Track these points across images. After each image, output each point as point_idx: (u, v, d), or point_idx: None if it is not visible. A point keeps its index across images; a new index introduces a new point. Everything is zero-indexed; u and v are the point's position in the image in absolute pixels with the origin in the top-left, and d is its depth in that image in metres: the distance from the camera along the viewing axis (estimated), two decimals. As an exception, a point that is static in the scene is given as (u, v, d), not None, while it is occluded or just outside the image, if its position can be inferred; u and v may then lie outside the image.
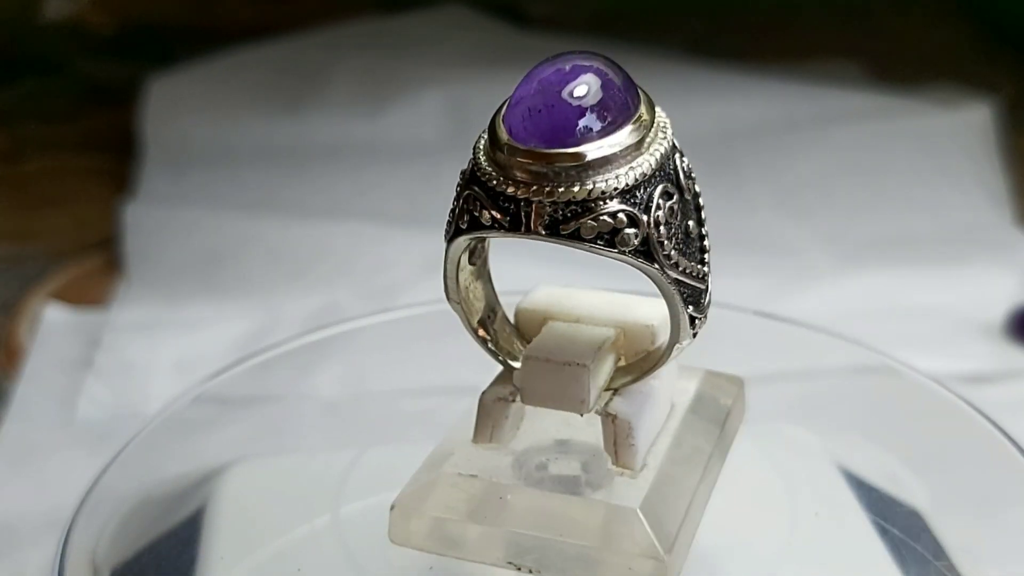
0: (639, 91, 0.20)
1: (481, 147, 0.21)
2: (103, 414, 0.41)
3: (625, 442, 0.23)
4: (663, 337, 0.23)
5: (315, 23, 0.68)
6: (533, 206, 0.20)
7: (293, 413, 0.33)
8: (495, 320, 0.23)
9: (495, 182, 0.20)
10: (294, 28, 0.67)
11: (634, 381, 0.23)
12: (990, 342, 0.44)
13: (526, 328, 0.24)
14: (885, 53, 0.67)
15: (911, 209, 0.53)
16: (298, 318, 0.45)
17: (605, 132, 0.20)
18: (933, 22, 0.72)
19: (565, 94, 0.20)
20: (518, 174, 0.20)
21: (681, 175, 0.20)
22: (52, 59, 0.69)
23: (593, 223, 0.20)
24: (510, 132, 0.20)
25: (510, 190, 0.20)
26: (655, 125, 0.20)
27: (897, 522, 0.26)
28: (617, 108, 0.20)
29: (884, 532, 0.26)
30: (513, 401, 0.23)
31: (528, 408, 0.23)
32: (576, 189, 0.19)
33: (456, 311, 0.22)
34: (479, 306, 0.23)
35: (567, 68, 0.20)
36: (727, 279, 0.41)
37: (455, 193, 0.21)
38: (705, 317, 0.22)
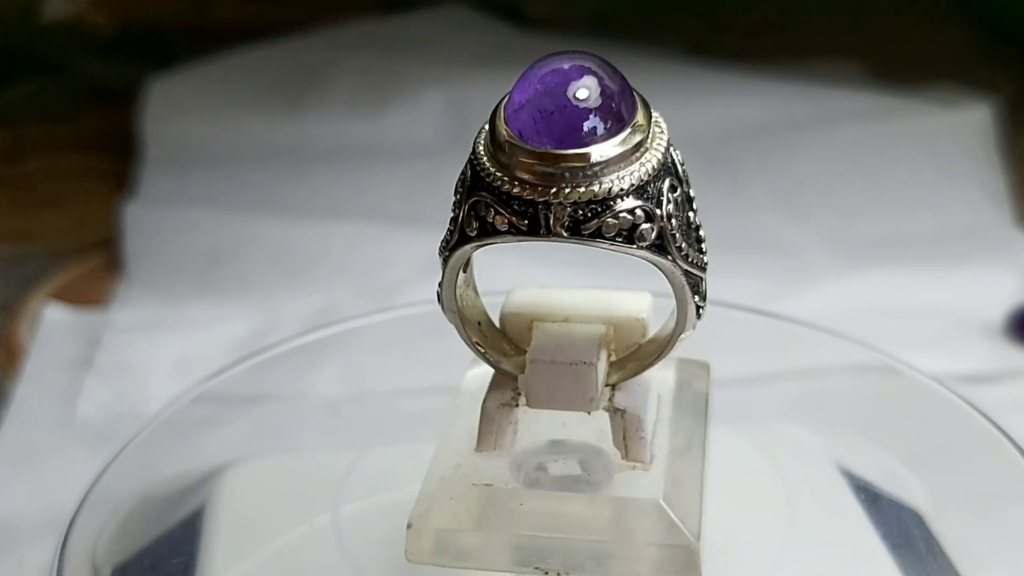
0: (633, 89, 0.21)
1: (482, 151, 0.20)
2: (103, 414, 0.41)
3: (635, 436, 0.23)
4: (653, 329, 0.23)
5: (315, 23, 0.68)
6: (552, 208, 0.20)
7: (293, 413, 0.33)
8: (484, 326, 0.23)
9: (508, 186, 0.20)
10: (294, 28, 0.67)
11: (635, 374, 0.23)
12: (990, 342, 0.44)
13: (513, 331, 0.23)
14: (885, 53, 0.67)
15: (911, 209, 0.53)
16: (298, 318, 0.45)
17: (611, 131, 0.20)
18: (933, 22, 0.72)
19: (571, 95, 0.20)
20: (530, 177, 0.20)
21: (679, 167, 0.21)
22: (52, 59, 0.69)
23: (613, 220, 0.20)
24: (520, 135, 0.20)
25: (527, 193, 0.20)
26: (651, 120, 0.21)
27: (897, 522, 0.26)
28: (619, 107, 0.20)
29: (884, 532, 0.26)
30: (517, 406, 0.23)
31: (519, 411, 0.23)
32: (596, 188, 0.20)
33: (452, 321, 0.22)
34: (472, 314, 0.23)
35: (566, 67, 0.20)
36: (727, 279, 0.41)
37: (455, 201, 0.21)
38: (706, 305, 0.22)
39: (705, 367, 0.26)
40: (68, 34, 0.71)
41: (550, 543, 0.22)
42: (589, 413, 0.23)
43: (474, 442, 0.23)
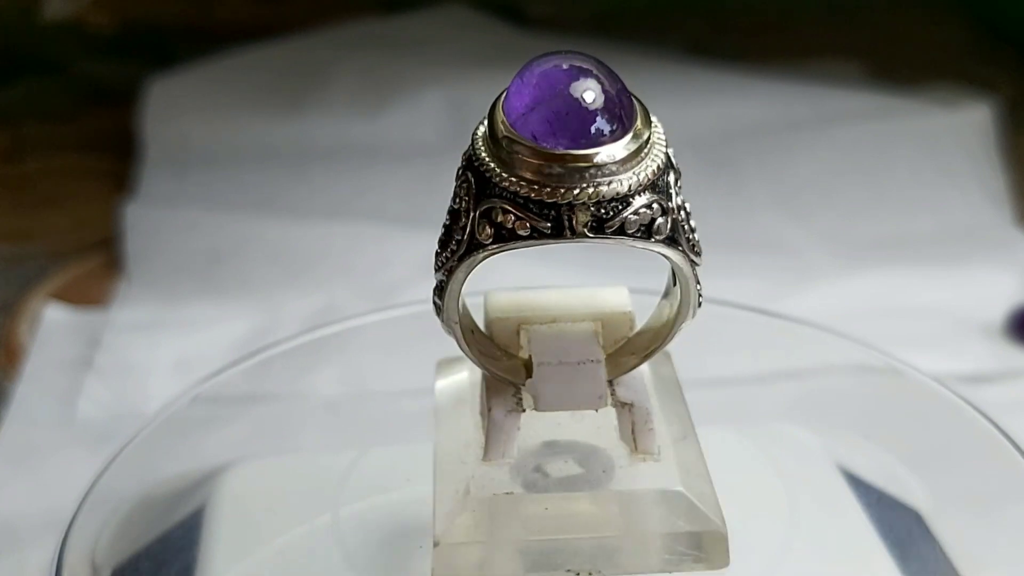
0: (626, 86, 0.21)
1: (485, 156, 0.20)
2: (103, 414, 0.41)
3: (644, 428, 0.23)
4: (640, 322, 0.23)
5: (315, 23, 0.68)
6: (575, 209, 0.20)
7: (293, 413, 0.33)
8: (475, 333, 0.23)
9: (528, 190, 0.20)
10: (294, 28, 0.67)
11: (632, 367, 0.23)
12: (990, 342, 0.44)
13: (501, 336, 0.23)
14: (885, 53, 0.67)
15: (911, 209, 0.53)
16: (298, 318, 0.45)
17: (617, 130, 0.20)
18: (933, 22, 0.72)
19: (579, 96, 0.20)
20: (549, 179, 0.20)
21: (673, 159, 0.21)
22: (52, 59, 0.69)
23: (634, 216, 0.20)
24: (534, 138, 0.20)
25: (549, 197, 0.20)
26: (648, 116, 0.21)
27: (897, 522, 0.26)
28: (621, 106, 0.20)
29: (884, 532, 0.26)
30: (524, 411, 0.23)
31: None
32: (617, 187, 0.20)
33: (453, 332, 0.22)
34: (465, 323, 0.23)
35: (564, 67, 0.20)
36: (727, 279, 0.41)
37: (458, 209, 0.21)
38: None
39: (667, 354, 0.26)
40: (68, 34, 0.71)
41: (580, 544, 0.22)
42: (596, 411, 0.23)
43: (474, 452, 0.23)
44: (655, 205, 0.20)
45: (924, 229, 0.52)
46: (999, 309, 0.46)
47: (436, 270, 0.22)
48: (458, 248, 0.21)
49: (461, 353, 0.23)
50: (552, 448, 0.24)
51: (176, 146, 0.58)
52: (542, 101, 0.20)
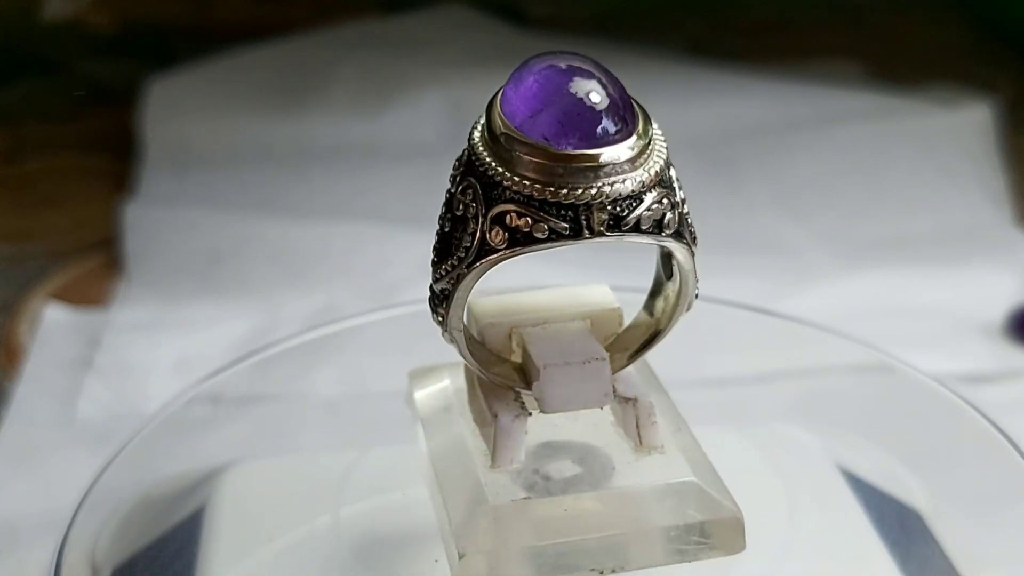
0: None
1: (490, 160, 0.20)
2: (103, 414, 0.41)
3: (648, 421, 0.23)
4: (629, 317, 0.24)
5: (315, 23, 0.68)
6: (593, 209, 0.20)
7: (293, 413, 0.33)
8: (470, 340, 0.23)
9: (544, 193, 0.20)
10: (294, 28, 0.67)
11: (628, 363, 0.23)
12: (990, 342, 0.44)
13: (494, 341, 0.23)
14: (885, 53, 0.67)
15: (911, 209, 0.53)
16: (298, 318, 0.45)
17: (621, 129, 0.20)
18: (933, 22, 0.72)
19: (584, 97, 0.20)
20: (564, 181, 0.20)
21: (667, 152, 0.21)
22: (52, 59, 0.69)
23: (648, 212, 0.20)
24: (545, 139, 0.20)
25: (567, 198, 0.20)
26: (644, 112, 0.21)
27: (897, 522, 0.26)
28: (623, 105, 0.20)
29: (884, 532, 0.26)
30: (530, 414, 0.23)
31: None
32: (631, 184, 0.20)
33: (456, 340, 0.22)
34: (467, 331, 0.23)
35: (563, 67, 0.20)
36: (727, 279, 0.41)
37: (464, 215, 0.20)
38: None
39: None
40: (68, 34, 0.71)
41: (602, 543, 0.22)
42: (601, 408, 0.23)
43: (478, 459, 0.23)
44: (664, 200, 0.20)
45: (924, 229, 0.52)
46: (999, 309, 0.46)
47: (437, 280, 0.21)
48: (466, 255, 0.21)
49: (430, 363, 0.24)
50: (550, 449, 0.24)
51: (176, 146, 0.58)
52: (549, 102, 0.20)
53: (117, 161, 0.59)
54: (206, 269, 0.49)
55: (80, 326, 0.46)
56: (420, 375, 0.26)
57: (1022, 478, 0.26)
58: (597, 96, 0.20)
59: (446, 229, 0.21)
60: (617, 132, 0.20)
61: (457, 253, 0.21)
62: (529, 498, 0.22)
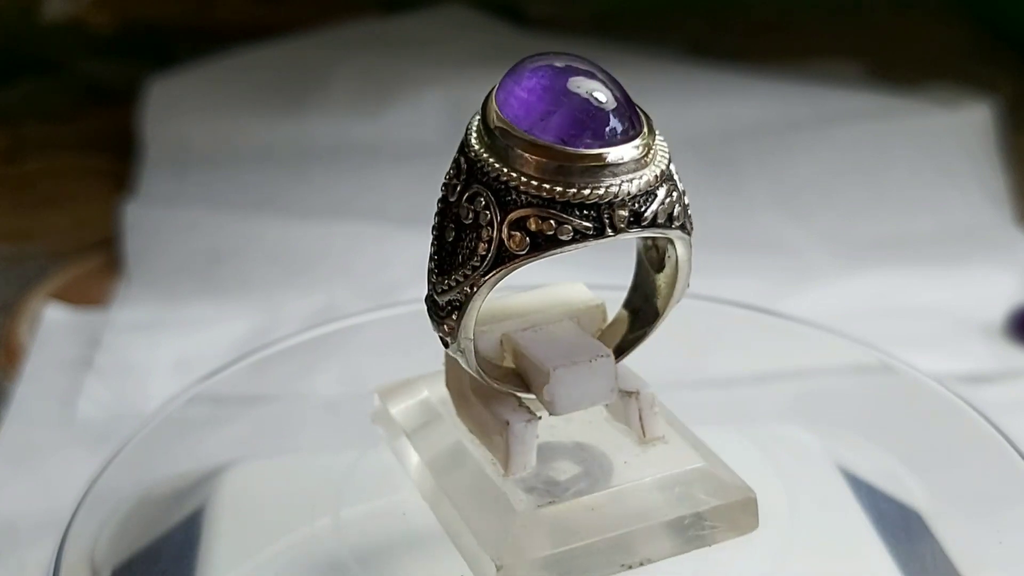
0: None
1: (499, 166, 0.20)
2: (103, 414, 0.41)
3: (651, 413, 0.23)
4: (612, 312, 0.24)
5: (315, 23, 0.68)
6: (614, 207, 0.20)
7: (293, 413, 0.33)
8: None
9: (564, 195, 0.20)
10: (294, 28, 0.67)
11: (622, 357, 0.23)
12: (990, 342, 0.44)
13: (486, 348, 0.23)
14: (885, 53, 0.67)
15: (911, 209, 0.53)
16: (298, 318, 0.45)
17: (627, 127, 0.20)
18: (933, 22, 0.72)
19: (590, 96, 0.20)
20: (583, 181, 0.20)
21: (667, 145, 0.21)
22: (52, 59, 0.69)
23: (661, 207, 0.20)
24: (562, 141, 0.20)
25: (590, 198, 0.20)
26: (640, 108, 0.21)
27: (897, 522, 0.26)
28: (627, 103, 0.20)
29: (884, 532, 0.26)
30: (540, 418, 0.23)
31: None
32: (644, 180, 0.20)
33: (465, 350, 0.22)
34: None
35: (560, 66, 0.20)
36: (727, 279, 0.41)
37: (478, 223, 0.20)
38: None
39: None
40: (68, 34, 0.71)
41: (627, 537, 0.22)
42: (607, 405, 0.23)
43: (488, 468, 0.23)
44: (673, 193, 0.21)
45: (924, 229, 0.52)
46: (999, 309, 0.46)
47: (442, 292, 0.21)
48: (481, 263, 0.20)
49: (398, 379, 0.24)
50: (547, 451, 0.24)
51: (176, 146, 0.58)
52: (557, 103, 0.20)
53: (117, 161, 0.59)
54: (206, 269, 0.49)
55: (80, 326, 0.46)
56: (390, 391, 0.26)
57: (1022, 478, 0.26)
58: (603, 95, 0.20)
59: (449, 239, 0.21)
60: (625, 130, 0.20)
61: (471, 262, 0.20)
62: (553, 502, 0.22)
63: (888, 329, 0.43)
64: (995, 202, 0.54)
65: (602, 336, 0.24)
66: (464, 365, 0.22)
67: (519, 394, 0.23)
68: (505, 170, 0.20)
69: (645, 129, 0.20)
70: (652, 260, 0.23)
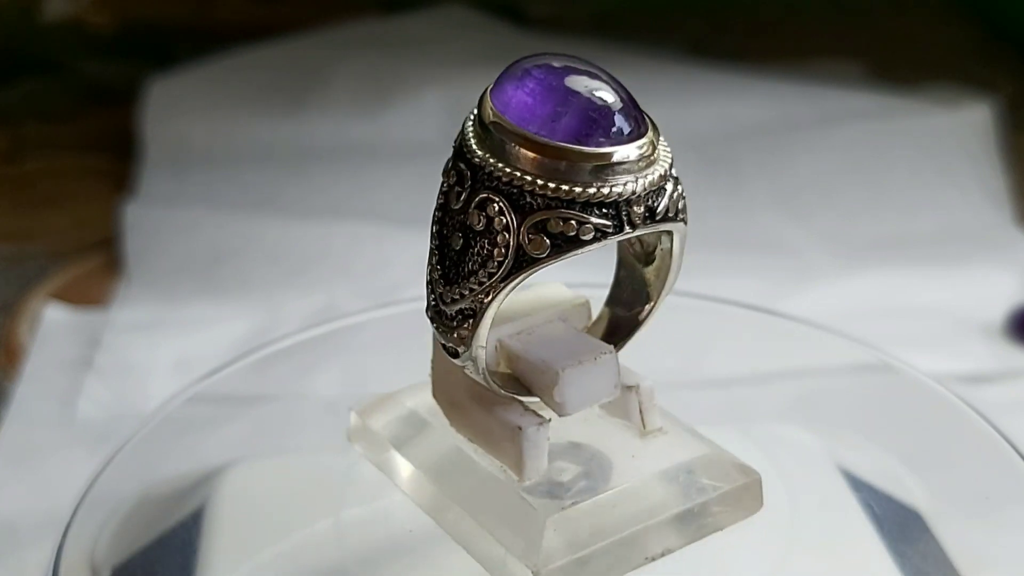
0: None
1: (510, 171, 0.20)
2: (103, 414, 0.41)
3: (650, 404, 0.24)
4: (596, 309, 0.24)
5: (315, 23, 0.68)
6: (631, 203, 0.20)
7: (293, 413, 0.33)
8: None
9: (585, 196, 0.20)
10: (294, 28, 0.67)
11: (620, 349, 0.24)
12: (990, 342, 0.44)
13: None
14: (885, 53, 0.67)
15: (911, 209, 0.53)
16: (298, 318, 0.45)
17: (631, 123, 0.20)
18: (933, 22, 0.72)
19: (594, 95, 0.20)
20: (600, 180, 0.20)
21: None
22: (52, 59, 0.69)
23: (670, 201, 0.21)
24: (577, 140, 0.20)
25: (610, 196, 0.20)
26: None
27: (897, 522, 0.26)
28: (630, 100, 0.21)
29: (884, 532, 0.26)
30: (549, 420, 0.23)
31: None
32: (656, 176, 0.20)
33: (479, 358, 0.22)
34: None
35: (560, 67, 0.20)
36: (727, 279, 0.41)
37: (492, 229, 0.20)
38: None
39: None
40: (68, 34, 0.71)
41: (648, 531, 0.22)
42: (611, 400, 0.23)
43: (496, 476, 0.23)
44: (678, 187, 0.21)
45: (924, 229, 0.52)
46: (999, 309, 0.46)
47: (453, 300, 0.21)
48: (499, 269, 0.20)
49: (370, 397, 0.24)
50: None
51: (176, 146, 0.58)
52: (566, 104, 0.20)
53: (117, 161, 0.59)
54: (206, 269, 0.49)
55: (80, 326, 0.46)
56: (367, 408, 0.26)
57: (1022, 478, 0.26)
58: (608, 93, 0.20)
59: (456, 247, 0.21)
60: (632, 126, 0.20)
61: (485, 269, 0.20)
62: (576, 502, 0.22)
63: (888, 329, 0.43)
64: (995, 202, 0.54)
65: (589, 333, 0.24)
66: (472, 373, 0.22)
67: (521, 398, 0.23)
68: (518, 174, 0.20)
69: (649, 124, 0.21)
70: (638, 255, 0.23)
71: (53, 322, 0.46)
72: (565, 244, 0.20)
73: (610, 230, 0.20)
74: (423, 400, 0.25)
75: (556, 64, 0.20)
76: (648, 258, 0.23)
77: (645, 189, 0.20)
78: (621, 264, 0.24)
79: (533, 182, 0.20)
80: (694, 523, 0.23)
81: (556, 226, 0.20)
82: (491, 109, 0.20)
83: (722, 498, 0.23)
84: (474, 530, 0.23)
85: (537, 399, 0.23)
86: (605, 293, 0.24)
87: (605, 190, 0.20)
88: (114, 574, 0.25)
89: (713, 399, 0.33)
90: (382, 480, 0.26)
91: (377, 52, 0.64)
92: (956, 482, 0.28)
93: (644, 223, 0.20)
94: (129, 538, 0.26)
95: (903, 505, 0.27)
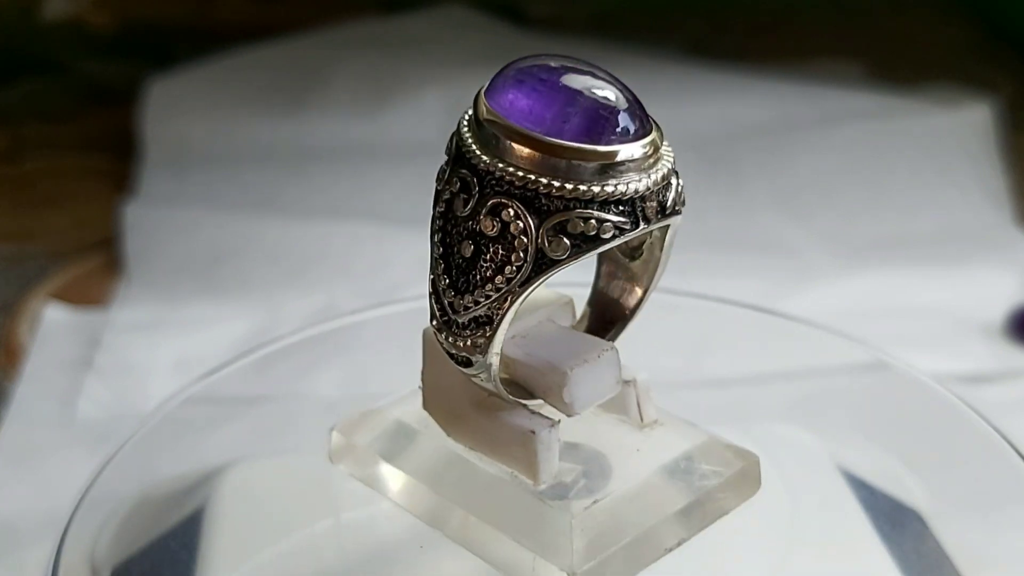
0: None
1: (522, 174, 0.20)
2: (103, 414, 0.41)
3: (646, 398, 0.24)
4: (580, 307, 0.24)
5: (315, 23, 0.68)
6: (646, 199, 0.20)
7: (293, 413, 0.33)
8: None
9: (603, 194, 0.20)
10: (294, 28, 0.67)
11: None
12: (990, 342, 0.44)
13: None
14: (885, 53, 0.67)
15: (911, 209, 0.53)
16: (298, 318, 0.45)
17: (638, 127, 0.20)
18: (933, 22, 0.72)
19: (597, 95, 0.20)
20: (616, 176, 0.20)
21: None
22: (52, 59, 0.69)
23: (677, 195, 0.21)
24: (591, 140, 0.20)
25: (628, 193, 0.20)
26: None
27: (897, 522, 0.26)
28: (632, 100, 0.21)
29: (884, 532, 0.26)
30: (558, 421, 0.23)
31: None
32: (665, 170, 0.20)
33: (494, 364, 0.21)
34: None
35: (560, 67, 0.20)
36: (727, 279, 0.41)
37: (508, 233, 0.20)
38: None
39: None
40: (68, 34, 0.71)
41: (663, 524, 0.23)
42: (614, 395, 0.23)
43: (508, 481, 0.23)
44: (681, 182, 0.21)
45: (924, 229, 0.52)
46: (999, 309, 0.46)
47: (467, 308, 0.21)
48: (517, 274, 0.20)
49: (353, 414, 0.24)
50: None
51: (176, 146, 0.58)
52: (573, 103, 0.20)
53: (117, 161, 0.59)
54: (206, 269, 0.49)
55: (80, 326, 0.46)
56: (349, 426, 0.25)
57: (1021, 478, 0.26)
58: (610, 91, 0.20)
59: (466, 255, 0.20)
60: (636, 121, 0.20)
61: (504, 274, 0.20)
62: (598, 501, 0.22)
63: (888, 329, 0.43)
64: (995, 202, 0.54)
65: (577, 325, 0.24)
66: (483, 381, 0.22)
67: (525, 402, 0.23)
68: (532, 177, 0.20)
69: (652, 125, 0.21)
70: (623, 250, 0.23)
71: (53, 322, 0.46)
72: (585, 244, 0.20)
73: (627, 227, 0.20)
74: (409, 411, 0.25)
75: (555, 64, 0.20)
76: (635, 252, 0.23)
77: (657, 184, 0.20)
78: (604, 259, 0.24)
79: (549, 184, 0.20)
80: (701, 510, 0.23)
81: (576, 226, 0.20)
82: (491, 110, 0.20)
83: (724, 484, 0.23)
84: (487, 535, 0.23)
85: (539, 401, 0.23)
86: (575, 290, 0.24)
87: (621, 188, 0.20)
88: (114, 574, 0.25)
89: (713, 399, 0.33)
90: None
91: (377, 52, 0.64)
92: (956, 482, 0.28)
93: (656, 218, 0.20)
94: (129, 538, 0.26)
95: (903, 505, 0.27)
